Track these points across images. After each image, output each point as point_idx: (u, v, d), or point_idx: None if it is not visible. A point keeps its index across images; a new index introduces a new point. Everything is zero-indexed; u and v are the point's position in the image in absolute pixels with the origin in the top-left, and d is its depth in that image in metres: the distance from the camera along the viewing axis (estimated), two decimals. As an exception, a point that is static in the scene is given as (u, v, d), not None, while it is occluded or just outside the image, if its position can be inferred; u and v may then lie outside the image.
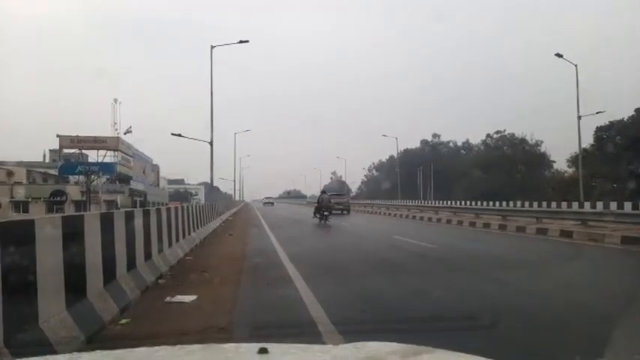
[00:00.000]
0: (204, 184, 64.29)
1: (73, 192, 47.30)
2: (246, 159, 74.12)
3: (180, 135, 31.10)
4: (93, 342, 3.89)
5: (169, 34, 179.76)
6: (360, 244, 13.67)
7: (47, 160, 60.88)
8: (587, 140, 43.30)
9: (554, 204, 19.38)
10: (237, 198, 64.56)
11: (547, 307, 5.47)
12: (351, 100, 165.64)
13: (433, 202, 34.16)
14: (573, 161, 44.08)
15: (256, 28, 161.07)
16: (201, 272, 7.80)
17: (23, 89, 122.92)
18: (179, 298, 5.74)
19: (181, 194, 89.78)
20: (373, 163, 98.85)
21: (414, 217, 27.70)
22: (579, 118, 28.78)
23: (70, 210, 42.93)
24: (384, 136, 59.40)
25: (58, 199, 46.13)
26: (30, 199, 45.49)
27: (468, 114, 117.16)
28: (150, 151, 66.80)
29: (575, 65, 28.19)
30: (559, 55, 27.89)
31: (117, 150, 52.00)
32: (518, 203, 20.87)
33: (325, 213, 22.42)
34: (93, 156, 52.11)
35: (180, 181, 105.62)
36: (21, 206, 44.59)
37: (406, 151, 78.69)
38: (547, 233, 14.75)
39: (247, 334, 4.25)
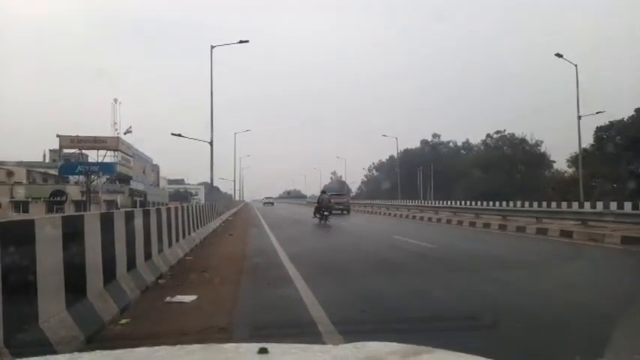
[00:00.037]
0: (204, 184, 64.33)
1: (73, 192, 47.30)
2: (246, 159, 74.22)
3: (180, 135, 31.15)
4: (93, 342, 3.89)
5: (169, 34, 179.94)
6: (360, 244, 13.67)
7: (47, 160, 60.88)
8: (587, 140, 43.41)
9: (554, 204, 19.37)
10: (237, 198, 64.58)
11: (547, 307, 5.47)
12: (351, 100, 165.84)
13: (433, 202, 34.16)
14: (573, 161, 44.09)
15: (256, 28, 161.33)
16: (201, 272, 7.80)
17: (23, 89, 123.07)
18: (179, 298, 5.74)
19: (181, 194, 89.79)
20: (373, 163, 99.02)
21: (414, 217, 27.70)
22: (579, 118, 28.81)
23: (70, 210, 42.93)
24: (384, 136, 59.50)
25: (58, 199, 46.13)
26: (30, 199, 45.49)
27: (468, 114, 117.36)
28: (150, 151, 66.93)
29: (575, 65, 28.24)
30: (559, 55, 27.90)
31: (117, 150, 51.99)
32: (518, 203, 20.87)
33: (325, 213, 22.50)
34: (93, 156, 52.22)
35: (181, 181, 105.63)
36: (21, 206, 44.59)
37: (406, 151, 78.72)
38: (547, 233, 14.75)
39: (247, 334, 4.24)
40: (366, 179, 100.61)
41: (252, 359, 1.34)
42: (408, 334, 3.44)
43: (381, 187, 73.28)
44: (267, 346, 1.37)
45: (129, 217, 6.14)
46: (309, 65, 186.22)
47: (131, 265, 5.89)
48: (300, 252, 11.07)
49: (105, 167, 50.73)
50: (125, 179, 54.55)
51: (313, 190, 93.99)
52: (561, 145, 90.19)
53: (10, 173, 48.21)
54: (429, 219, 24.93)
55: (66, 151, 52.38)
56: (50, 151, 60.68)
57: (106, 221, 5.15)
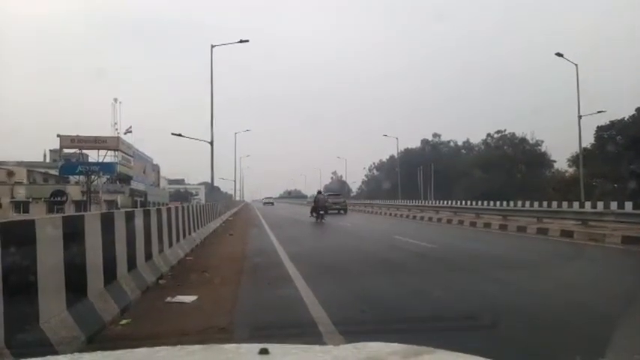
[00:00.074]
0: (205, 184, 64.48)
1: (74, 192, 47.30)
2: (247, 159, 74.08)
3: (180, 135, 31.17)
4: (93, 342, 3.89)
5: (169, 34, 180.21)
6: (360, 244, 13.66)
7: (47, 160, 60.92)
8: (588, 140, 43.38)
9: (554, 204, 19.32)
10: (237, 198, 64.63)
11: (547, 307, 5.47)
12: (351, 100, 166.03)
13: (433, 202, 34.11)
14: (574, 161, 44.07)
15: (256, 28, 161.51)
16: (201, 272, 7.81)
17: (23, 89, 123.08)
18: (180, 298, 5.74)
19: (182, 194, 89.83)
20: (373, 163, 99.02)
21: (414, 217, 27.69)
22: (580, 117, 28.81)
23: (70, 210, 42.94)
24: (385, 135, 59.48)
25: (59, 199, 46.12)
26: (30, 200, 45.49)
27: (468, 114, 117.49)
28: (150, 151, 66.84)
29: (576, 65, 28.25)
30: (559, 55, 27.90)
31: (117, 150, 51.98)
32: (519, 203, 20.84)
33: (321, 212, 23.67)
34: (93, 156, 52.20)
35: (181, 181, 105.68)
36: (21, 206, 44.60)
37: (406, 150, 78.72)
38: (548, 233, 14.73)
39: (248, 335, 4.24)
40: (366, 179, 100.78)
41: (252, 360, 1.34)
42: (408, 334, 3.44)
43: (381, 187, 73.30)
44: (267, 346, 1.37)
45: (129, 217, 6.14)
46: (309, 65, 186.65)
47: (132, 265, 5.89)
48: (301, 252, 11.08)
49: (105, 167, 50.74)
50: (125, 179, 54.55)
51: (314, 190, 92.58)
52: (562, 144, 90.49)
53: (10, 173, 48.22)
54: (430, 219, 24.91)
55: (66, 151, 52.38)
56: (50, 151, 60.76)
57: (107, 221, 5.15)
